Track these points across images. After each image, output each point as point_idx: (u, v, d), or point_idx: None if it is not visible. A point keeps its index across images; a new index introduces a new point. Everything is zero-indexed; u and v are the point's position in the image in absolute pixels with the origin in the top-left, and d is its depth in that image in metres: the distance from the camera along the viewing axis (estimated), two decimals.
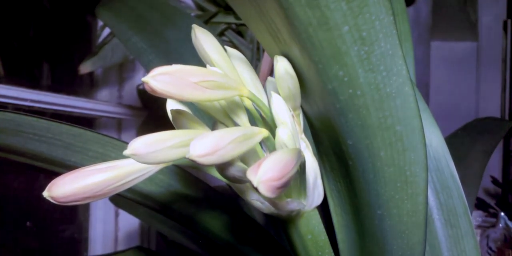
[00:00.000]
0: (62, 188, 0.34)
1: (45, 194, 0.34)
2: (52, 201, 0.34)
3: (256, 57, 1.19)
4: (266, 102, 0.41)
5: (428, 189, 0.44)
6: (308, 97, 0.40)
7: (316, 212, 0.44)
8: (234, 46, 1.20)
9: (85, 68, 1.04)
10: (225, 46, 0.41)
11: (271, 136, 0.37)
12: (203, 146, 0.30)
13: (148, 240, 1.24)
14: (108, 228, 1.22)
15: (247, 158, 0.41)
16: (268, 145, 0.40)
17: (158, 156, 0.33)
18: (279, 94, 0.38)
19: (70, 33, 1.27)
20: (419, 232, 0.42)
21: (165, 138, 0.33)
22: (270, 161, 0.30)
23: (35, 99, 0.91)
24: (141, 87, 1.19)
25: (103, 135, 0.53)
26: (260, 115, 0.40)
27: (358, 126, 0.37)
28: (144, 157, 0.32)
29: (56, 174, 0.53)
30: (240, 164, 0.38)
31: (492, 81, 2.27)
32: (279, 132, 0.36)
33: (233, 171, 0.37)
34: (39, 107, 0.94)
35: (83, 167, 0.35)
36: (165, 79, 0.31)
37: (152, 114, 1.19)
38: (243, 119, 0.40)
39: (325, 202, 0.47)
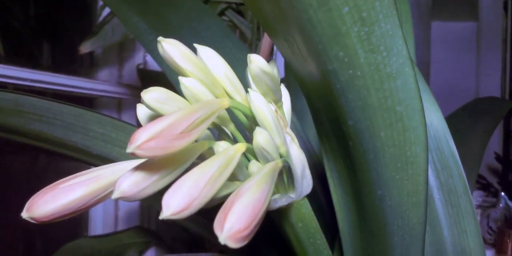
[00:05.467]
0: (43, 208, 0.33)
1: (24, 215, 0.32)
2: (33, 222, 0.32)
3: (256, 37, 1.19)
4: (245, 96, 0.41)
5: (429, 168, 0.44)
6: (311, 76, 0.40)
7: (306, 200, 0.44)
8: (234, 25, 1.20)
9: (85, 47, 1.04)
10: (195, 45, 0.40)
11: (250, 146, 0.36)
12: (176, 203, 0.29)
13: (148, 220, 1.25)
14: (108, 208, 1.23)
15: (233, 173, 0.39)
16: (249, 153, 0.39)
17: (147, 191, 0.32)
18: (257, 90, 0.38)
19: (70, 12, 1.26)
20: (420, 212, 0.42)
21: (149, 174, 0.32)
22: (235, 211, 0.28)
23: (35, 79, 0.91)
24: (141, 66, 1.18)
25: (104, 115, 0.53)
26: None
27: (358, 106, 0.37)
28: (133, 197, 0.31)
29: (58, 155, 0.53)
30: (219, 196, 0.37)
31: (492, 61, 2.26)
32: (256, 137, 0.35)
33: (214, 202, 0.36)
34: (40, 87, 0.94)
35: (63, 179, 0.34)
36: (151, 146, 0.29)
37: None
38: (227, 123, 0.40)
39: (325, 182, 0.47)
